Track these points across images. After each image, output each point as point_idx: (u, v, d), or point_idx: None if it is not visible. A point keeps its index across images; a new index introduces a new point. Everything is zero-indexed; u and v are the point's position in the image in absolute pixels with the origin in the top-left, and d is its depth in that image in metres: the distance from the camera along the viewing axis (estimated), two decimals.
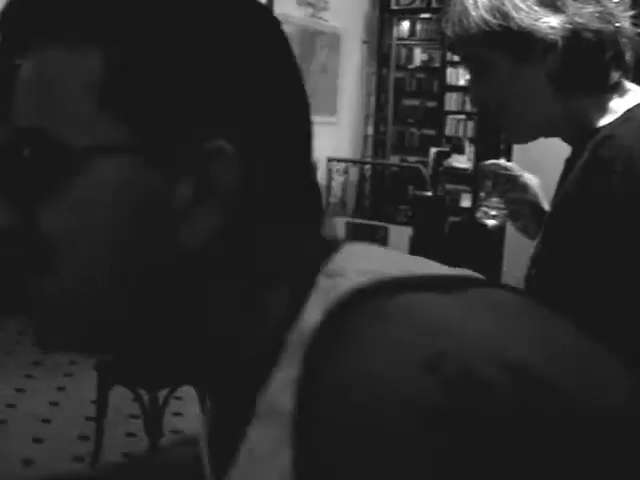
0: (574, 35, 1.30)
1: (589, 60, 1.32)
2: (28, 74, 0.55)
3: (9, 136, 0.55)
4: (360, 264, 0.55)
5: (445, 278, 0.55)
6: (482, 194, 1.63)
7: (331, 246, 0.59)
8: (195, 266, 0.55)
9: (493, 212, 1.61)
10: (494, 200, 1.61)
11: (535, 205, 1.56)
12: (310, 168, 0.60)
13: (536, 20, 1.28)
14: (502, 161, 1.64)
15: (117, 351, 0.62)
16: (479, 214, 1.64)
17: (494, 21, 1.29)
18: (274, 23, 0.60)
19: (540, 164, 1.83)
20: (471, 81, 1.43)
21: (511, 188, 1.59)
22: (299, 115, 0.59)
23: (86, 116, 0.53)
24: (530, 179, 1.59)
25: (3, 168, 0.55)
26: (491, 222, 1.62)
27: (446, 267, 0.58)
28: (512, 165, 1.62)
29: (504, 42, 1.31)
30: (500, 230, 1.74)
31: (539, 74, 1.33)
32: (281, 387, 0.51)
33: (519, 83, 1.35)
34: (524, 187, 1.58)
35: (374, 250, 0.60)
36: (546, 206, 1.55)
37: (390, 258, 0.58)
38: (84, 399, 4.09)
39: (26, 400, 4.18)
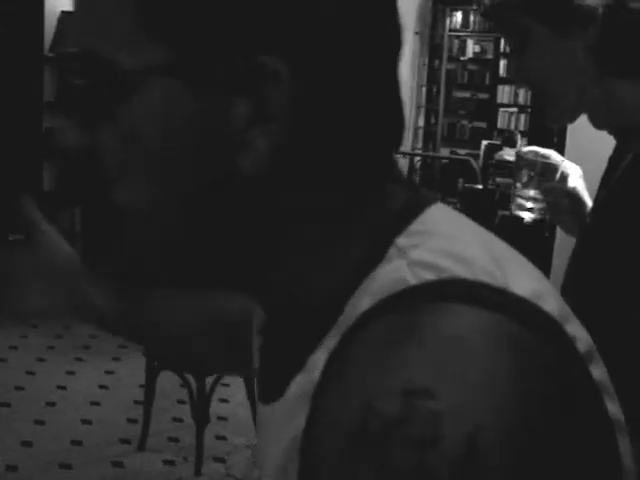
0: (618, 4, 1.18)
1: (633, 34, 1.19)
2: None
3: (68, 61, 0.57)
4: (440, 243, 0.51)
5: (518, 300, 0.47)
6: (518, 184, 1.49)
7: (415, 198, 0.56)
8: (255, 193, 0.52)
9: (529, 204, 1.48)
10: (531, 191, 1.47)
11: (575, 197, 1.43)
12: (394, 86, 0.55)
13: None
14: (540, 148, 1.49)
15: (173, 275, 0.59)
16: (514, 206, 1.51)
17: None
18: None
19: (595, 158, 1.77)
20: (510, 54, 1.33)
21: (549, 178, 1.45)
22: (379, 24, 0.53)
23: (128, 36, 0.51)
24: (570, 168, 1.46)
25: (66, 91, 0.57)
26: (527, 215, 1.49)
27: (535, 278, 0.51)
28: (551, 152, 1.49)
29: (542, 9, 1.21)
30: (552, 225, 1.62)
31: (578, 48, 1.22)
32: (324, 350, 0.51)
33: (557, 56, 1.24)
34: (563, 177, 1.45)
35: (461, 228, 0.54)
36: (587, 199, 1.43)
37: (477, 246, 0.51)
38: (133, 383, 4.16)
39: (76, 383, 4.26)
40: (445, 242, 0.51)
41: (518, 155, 1.52)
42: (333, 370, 0.48)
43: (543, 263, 5.07)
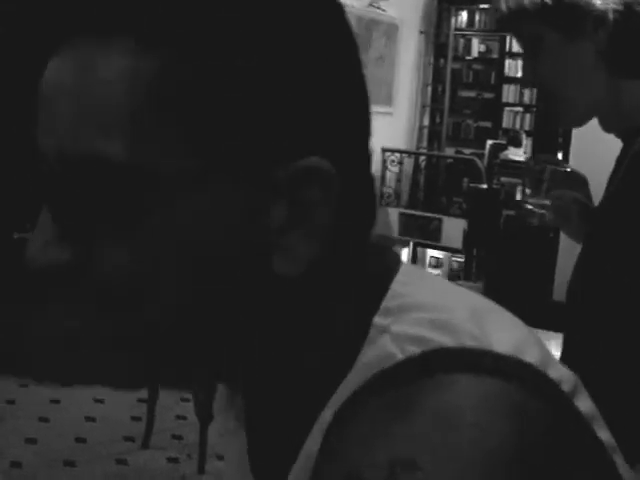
0: (627, 8, 1.23)
1: None
2: (67, 78, 0.46)
3: (53, 161, 0.46)
4: (418, 314, 0.50)
5: (503, 359, 0.47)
6: (527, 191, 1.53)
7: (381, 269, 0.55)
8: (286, 294, 0.50)
9: (538, 210, 1.51)
10: (540, 197, 1.50)
11: (582, 203, 1.46)
12: (369, 169, 0.55)
13: None
14: (550, 155, 1.56)
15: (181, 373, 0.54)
16: (524, 212, 1.54)
17: None
18: (340, 13, 0.53)
19: (599, 158, 1.77)
20: (523, 58, 1.39)
21: (557, 184, 1.49)
22: (364, 113, 0.54)
23: (150, 136, 0.44)
24: (578, 175, 1.50)
25: (55, 193, 0.47)
26: (536, 221, 1.52)
27: (514, 329, 0.51)
28: (560, 160, 1.55)
29: (556, 16, 1.26)
30: (556, 227, 1.63)
31: (590, 51, 1.27)
32: (319, 428, 0.51)
33: (570, 60, 1.30)
34: (571, 184, 1.49)
35: (431, 290, 0.54)
36: (594, 205, 1.45)
37: (451, 308, 0.51)
38: None
39: None
40: (422, 312, 0.50)
41: (527, 162, 1.55)
42: (326, 447, 0.48)
43: (548, 263, 5.06)
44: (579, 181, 1.49)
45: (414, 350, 0.47)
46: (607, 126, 1.35)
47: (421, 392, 0.45)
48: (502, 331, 0.49)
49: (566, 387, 0.48)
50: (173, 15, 0.45)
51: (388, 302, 0.52)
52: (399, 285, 0.53)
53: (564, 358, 1.23)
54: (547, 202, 1.49)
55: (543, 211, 1.50)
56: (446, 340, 0.47)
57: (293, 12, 0.49)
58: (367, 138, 0.54)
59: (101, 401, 4.03)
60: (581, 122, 1.37)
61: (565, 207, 1.48)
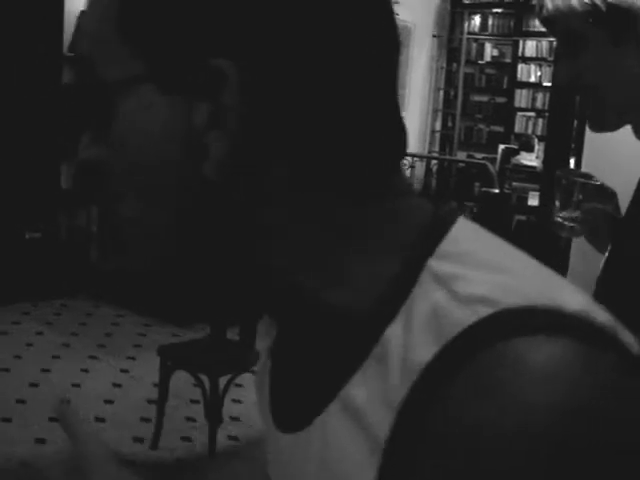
0: None
1: None
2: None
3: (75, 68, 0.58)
4: (480, 270, 0.48)
5: (578, 319, 0.46)
6: (557, 203, 1.50)
7: (438, 213, 0.54)
8: (229, 200, 0.51)
9: (568, 224, 1.50)
10: (570, 210, 1.49)
11: (612, 218, 1.45)
12: (383, 87, 0.53)
13: None
14: (579, 169, 1.55)
15: (174, 280, 0.60)
16: (554, 226, 1.52)
17: None
18: None
19: (612, 164, 1.76)
20: (563, 58, 1.37)
21: (587, 198, 1.47)
22: (353, 21, 0.51)
23: (111, 47, 0.52)
24: (608, 189, 1.49)
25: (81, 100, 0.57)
26: (566, 233, 1.51)
27: (579, 293, 0.49)
28: (590, 173, 1.52)
29: (606, 19, 1.27)
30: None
31: (634, 54, 1.28)
32: (364, 383, 0.49)
33: (613, 62, 1.30)
34: (602, 196, 1.48)
35: (495, 247, 0.52)
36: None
37: (513, 264, 0.50)
38: (146, 382, 4.17)
39: (90, 380, 4.28)
40: (487, 269, 0.48)
41: (557, 176, 1.54)
42: (414, 433, 0.45)
43: (559, 268, 5.04)
44: (608, 194, 1.48)
45: (484, 312, 0.45)
46: (639, 132, 1.35)
47: (516, 359, 0.43)
48: (570, 293, 0.48)
49: (634, 351, 0.47)
50: None
51: (445, 246, 0.50)
52: (459, 232, 0.52)
53: None
54: (576, 215, 1.48)
55: (573, 224, 1.49)
56: (515, 300, 0.46)
57: None
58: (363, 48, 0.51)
59: (111, 402, 4.04)
60: (616, 126, 1.36)
61: (595, 221, 1.47)
